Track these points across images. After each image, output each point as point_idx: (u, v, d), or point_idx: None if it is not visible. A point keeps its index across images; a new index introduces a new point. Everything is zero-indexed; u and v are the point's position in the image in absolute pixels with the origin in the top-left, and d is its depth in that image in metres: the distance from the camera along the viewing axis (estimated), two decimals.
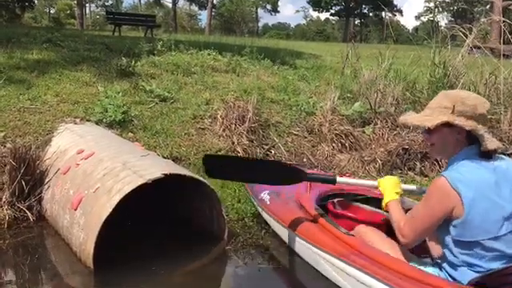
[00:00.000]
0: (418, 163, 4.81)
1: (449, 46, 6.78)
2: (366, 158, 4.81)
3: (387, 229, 2.73)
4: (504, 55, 6.85)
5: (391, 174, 4.68)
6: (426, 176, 4.76)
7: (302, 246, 2.94)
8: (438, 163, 4.93)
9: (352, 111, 5.44)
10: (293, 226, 3.00)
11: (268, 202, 3.32)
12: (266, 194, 3.39)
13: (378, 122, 5.31)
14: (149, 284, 2.77)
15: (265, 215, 3.41)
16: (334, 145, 5.00)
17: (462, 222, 2.06)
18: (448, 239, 2.15)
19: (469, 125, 2.12)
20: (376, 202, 3.21)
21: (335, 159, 4.90)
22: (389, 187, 2.46)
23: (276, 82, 6.61)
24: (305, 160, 4.82)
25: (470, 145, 2.15)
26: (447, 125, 2.15)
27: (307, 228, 2.87)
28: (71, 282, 2.90)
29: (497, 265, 2.07)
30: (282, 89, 6.25)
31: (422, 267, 2.30)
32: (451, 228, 2.11)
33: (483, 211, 2.05)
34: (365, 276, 2.40)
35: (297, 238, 2.96)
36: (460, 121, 2.13)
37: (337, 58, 9.24)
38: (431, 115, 2.22)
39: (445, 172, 2.16)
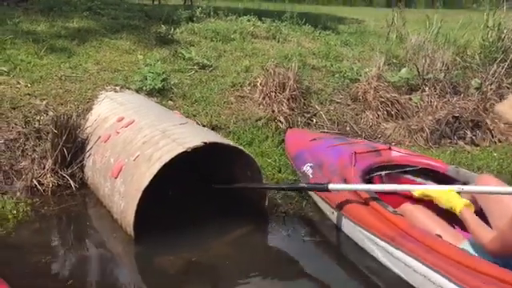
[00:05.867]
0: (468, 132, 4.56)
1: (504, 7, 6.35)
2: (412, 127, 4.58)
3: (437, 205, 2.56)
4: None
5: (439, 144, 4.47)
6: (477, 145, 4.51)
7: (346, 224, 2.80)
8: (491, 132, 4.65)
9: (398, 78, 5.18)
10: (336, 202, 2.84)
11: (310, 176, 3.14)
12: (308, 166, 3.22)
13: (426, 89, 5.02)
14: (190, 253, 2.74)
15: None
16: (379, 113, 4.77)
17: None
18: None
19: None
20: (428, 173, 3.01)
21: (380, 128, 4.69)
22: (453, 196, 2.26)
23: (317, 47, 6.36)
24: (348, 129, 4.65)
25: None
26: None
27: (351, 205, 2.71)
28: (113, 248, 2.92)
29: None
30: (323, 55, 6.01)
31: (473, 250, 2.12)
32: None
33: None
34: (412, 260, 2.25)
35: (341, 216, 2.82)
36: None
37: (381, 23, 8.80)
38: None
39: None
